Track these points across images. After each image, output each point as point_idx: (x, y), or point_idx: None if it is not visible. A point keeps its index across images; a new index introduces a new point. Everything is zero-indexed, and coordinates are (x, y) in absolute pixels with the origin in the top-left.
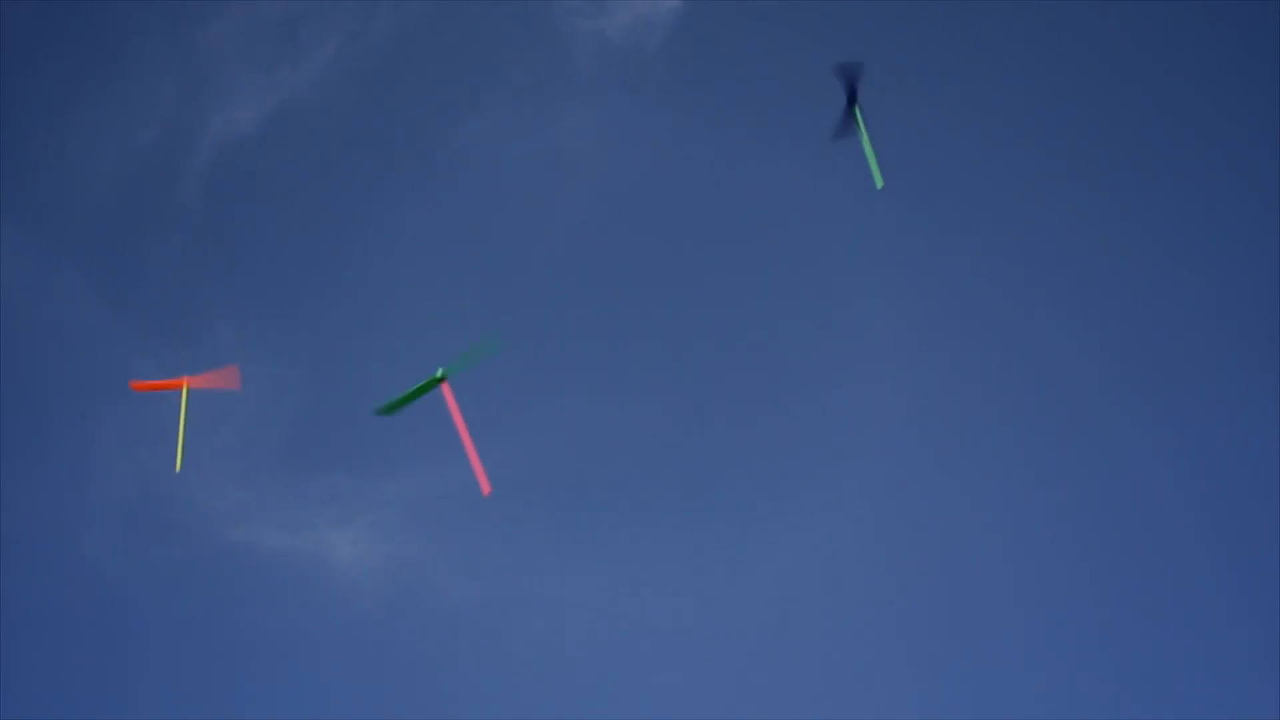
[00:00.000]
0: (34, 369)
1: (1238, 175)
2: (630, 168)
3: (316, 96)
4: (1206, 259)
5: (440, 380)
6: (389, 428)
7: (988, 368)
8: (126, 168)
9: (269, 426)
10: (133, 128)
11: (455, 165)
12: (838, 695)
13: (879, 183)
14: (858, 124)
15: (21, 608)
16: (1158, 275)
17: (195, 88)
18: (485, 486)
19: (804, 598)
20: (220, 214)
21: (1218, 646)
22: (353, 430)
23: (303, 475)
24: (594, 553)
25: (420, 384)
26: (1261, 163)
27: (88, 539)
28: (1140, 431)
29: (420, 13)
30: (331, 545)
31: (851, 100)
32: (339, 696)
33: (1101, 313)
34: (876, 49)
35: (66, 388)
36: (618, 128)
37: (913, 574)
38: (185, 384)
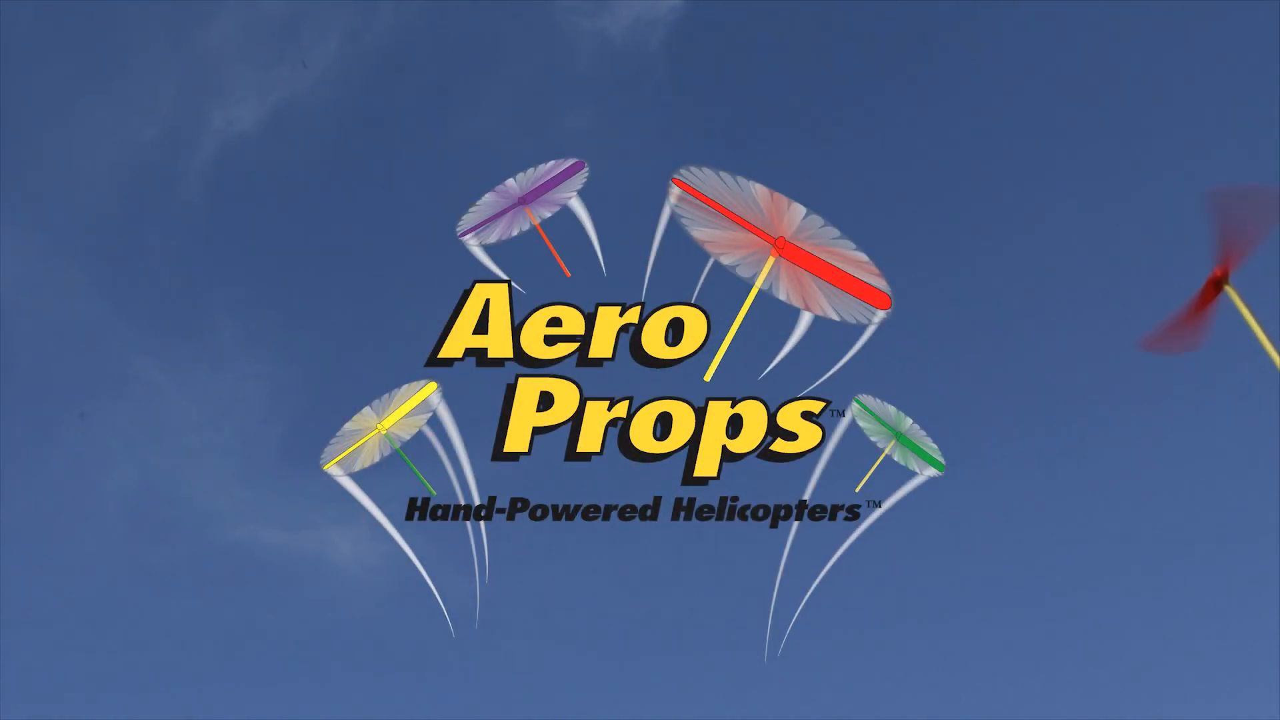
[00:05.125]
0: (35, 366)
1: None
2: (631, 167)
3: (317, 95)
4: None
5: None
6: None
7: (989, 366)
8: (127, 166)
9: (269, 424)
10: (134, 126)
11: (456, 164)
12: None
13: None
14: None
15: (22, 606)
16: (1155, 274)
17: (196, 86)
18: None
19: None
20: (221, 212)
21: (1217, 645)
22: None
23: (303, 473)
24: (595, 550)
25: None
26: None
27: (88, 537)
28: (1139, 427)
29: (420, 12)
30: (332, 543)
31: None
32: (339, 694)
33: (1099, 311)
34: (876, 48)
35: (67, 385)
36: (619, 127)
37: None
38: None
